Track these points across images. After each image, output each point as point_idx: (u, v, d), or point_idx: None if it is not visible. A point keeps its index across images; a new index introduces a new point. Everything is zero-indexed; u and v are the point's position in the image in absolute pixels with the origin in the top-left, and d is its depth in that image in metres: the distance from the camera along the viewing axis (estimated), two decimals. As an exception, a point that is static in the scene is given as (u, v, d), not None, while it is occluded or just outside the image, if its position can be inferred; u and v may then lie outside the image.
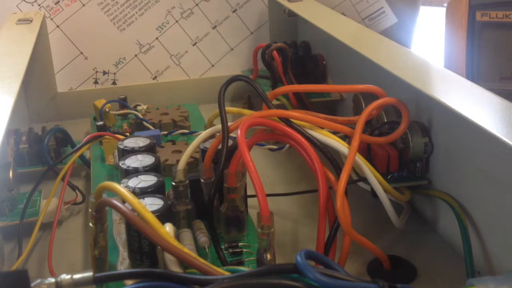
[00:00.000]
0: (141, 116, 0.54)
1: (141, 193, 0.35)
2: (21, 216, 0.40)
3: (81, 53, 0.66)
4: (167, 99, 0.65)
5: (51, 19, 0.64)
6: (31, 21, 0.59)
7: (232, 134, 0.37)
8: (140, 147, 0.41)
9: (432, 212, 0.41)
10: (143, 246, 0.32)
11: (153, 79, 0.68)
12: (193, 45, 0.68)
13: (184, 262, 0.27)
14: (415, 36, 0.75)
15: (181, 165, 0.36)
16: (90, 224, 0.31)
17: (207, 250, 0.34)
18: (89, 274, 0.26)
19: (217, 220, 0.36)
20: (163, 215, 0.32)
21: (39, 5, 0.64)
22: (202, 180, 0.37)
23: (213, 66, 0.69)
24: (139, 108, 0.58)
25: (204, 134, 0.38)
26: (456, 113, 0.34)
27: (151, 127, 0.53)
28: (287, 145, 0.43)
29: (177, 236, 0.34)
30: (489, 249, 0.34)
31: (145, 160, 0.39)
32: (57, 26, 0.64)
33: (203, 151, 0.38)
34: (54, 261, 0.37)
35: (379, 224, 0.41)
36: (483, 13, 0.58)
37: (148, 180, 0.36)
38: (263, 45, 0.57)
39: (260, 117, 0.36)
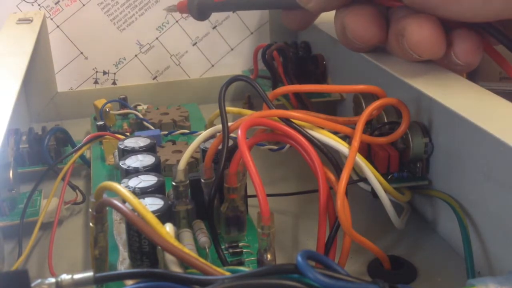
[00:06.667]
0: (141, 116, 0.54)
1: (141, 193, 0.35)
2: (21, 216, 0.40)
3: (81, 53, 0.66)
4: (167, 99, 0.64)
5: (51, 19, 0.64)
6: (31, 21, 0.59)
7: (232, 134, 0.37)
8: (140, 147, 0.41)
9: (432, 212, 0.41)
10: (143, 246, 0.32)
11: (153, 79, 0.68)
12: (193, 45, 0.68)
13: (184, 262, 0.27)
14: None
15: (182, 165, 0.36)
16: (90, 224, 0.31)
17: (207, 250, 0.34)
18: (89, 274, 0.26)
19: (217, 220, 0.36)
20: (163, 215, 0.32)
21: (39, 5, 0.64)
22: (203, 180, 0.37)
23: (213, 66, 0.69)
24: (139, 108, 0.58)
25: (204, 134, 0.38)
26: (456, 113, 0.34)
27: (151, 127, 0.53)
28: (287, 145, 0.43)
29: (177, 236, 0.34)
30: (489, 249, 0.34)
31: (145, 160, 0.39)
32: (57, 26, 0.64)
33: (204, 151, 0.38)
34: (54, 261, 0.37)
35: (379, 224, 0.41)
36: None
37: (148, 180, 0.36)
38: (263, 45, 0.57)
39: (260, 117, 0.36)
